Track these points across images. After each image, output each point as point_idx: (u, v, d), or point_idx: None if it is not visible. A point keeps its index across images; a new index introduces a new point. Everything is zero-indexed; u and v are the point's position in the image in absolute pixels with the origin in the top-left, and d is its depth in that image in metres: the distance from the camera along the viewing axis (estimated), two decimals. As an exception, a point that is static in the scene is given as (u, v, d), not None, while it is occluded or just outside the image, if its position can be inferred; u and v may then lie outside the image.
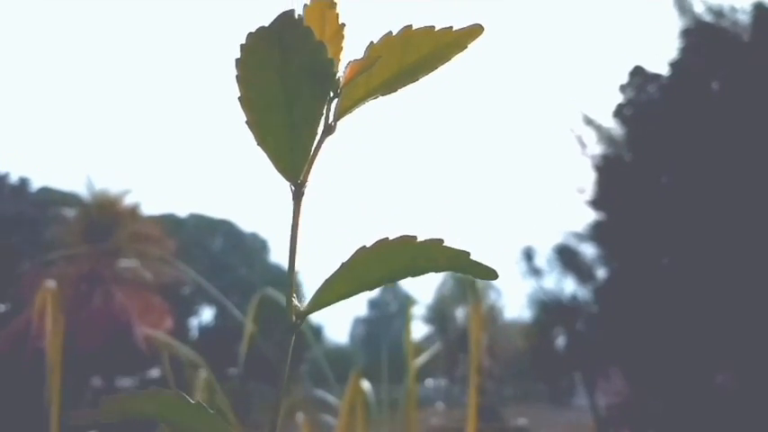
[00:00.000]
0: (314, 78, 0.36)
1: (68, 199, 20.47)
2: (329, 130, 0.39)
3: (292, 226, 0.41)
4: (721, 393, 14.73)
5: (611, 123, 18.47)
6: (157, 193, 64.90)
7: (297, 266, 0.40)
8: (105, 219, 17.93)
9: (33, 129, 56.75)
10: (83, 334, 13.87)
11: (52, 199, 22.02)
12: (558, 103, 30.30)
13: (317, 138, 0.39)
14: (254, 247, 37.04)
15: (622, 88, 16.87)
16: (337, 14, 0.39)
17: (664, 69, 17.02)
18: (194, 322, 32.90)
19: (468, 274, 0.38)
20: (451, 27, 0.39)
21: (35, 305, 1.64)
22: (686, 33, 16.58)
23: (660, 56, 19.97)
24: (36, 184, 25.97)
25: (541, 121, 21.37)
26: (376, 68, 0.39)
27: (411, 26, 0.39)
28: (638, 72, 16.69)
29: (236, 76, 0.35)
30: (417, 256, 0.38)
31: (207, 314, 33.54)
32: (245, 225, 37.50)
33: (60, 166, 57.45)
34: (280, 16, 0.34)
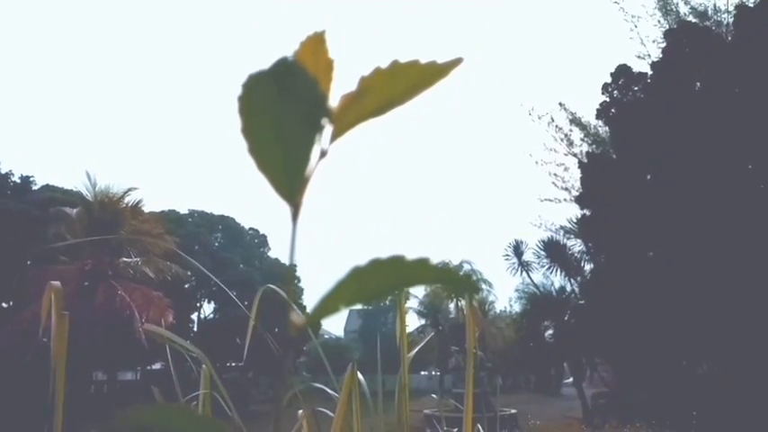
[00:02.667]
0: (308, 111, 0.40)
1: (71, 196, 20.51)
2: (323, 154, 0.43)
3: (291, 242, 0.45)
4: (704, 383, 15.15)
5: (596, 122, 18.86)
6: (158, 190, 65.06)
7: (297, 278, 0.55)
8: (107, 216, 17.90)
9: (36, 127, 56.73)
10: (86, 329, 14.13)
11: (55, 196, 22.04)
12: (546, 102, 30.67)
13: (312, 162, 0.43)
14: (254, 242, 37.31)
15: (607, 87, 17.29)
16: (327, 49, 0.43)
17: (648, 69, 17.37)
18: (195, 316, 33.25)
19: (453, 288, 0.43)
20: (435, 61, 0.43)
21: (40, 302, 1.65)
22: (670, 33, 16.99)
23: (644, 56, 20.37)
24: (39, 182, 26.30)
25: (530, 120, 21.75)
26: (366, 98, 0.43)
27: (398, 61, 0.42)
28: (622, 71, 17.10)
29: (238, 111, 0.39)
30: (406, 273, 0.42)
31: (207, 308, 33.86)
32: (245, 221, 37.87)
33: (63, 164, 57.56)
34: (277, 62, 0.38)
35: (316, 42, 0.43)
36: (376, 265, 0.41)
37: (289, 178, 0.42)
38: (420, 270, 0.42)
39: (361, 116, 0.44)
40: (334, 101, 0.43)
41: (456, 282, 0.43)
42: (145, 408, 0.42)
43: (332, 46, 0.43)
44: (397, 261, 0.41)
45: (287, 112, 0.40)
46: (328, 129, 0.43)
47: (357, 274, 0.41)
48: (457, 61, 0.43)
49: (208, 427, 0.42)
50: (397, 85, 0.43)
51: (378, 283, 0.42)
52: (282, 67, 0.38)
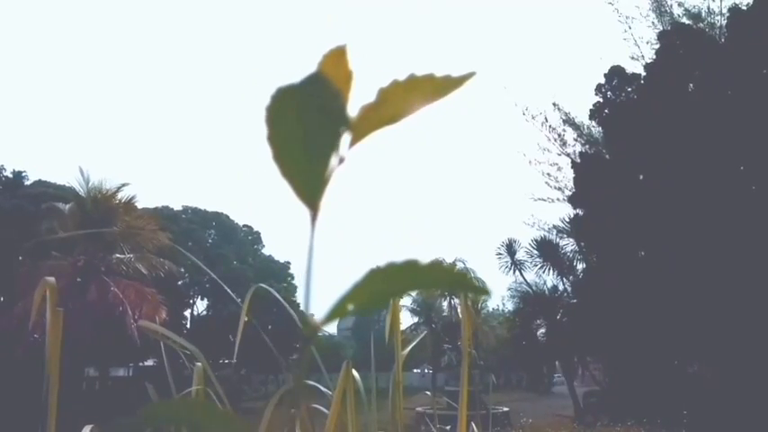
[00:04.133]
0: (331, 121, 0.42)
1: (63, 192, 20.40)
2: (341, 160, 0.45)
3: (309, 246, 0.46)
4: (695, 382, 15.25)
5: (590, 122, 18.94)
6: (152, 186, 64.88)
7: (313, 281, 0.46)
8: (100, 212, 17.77)
9: (29, 122, 56.49)
10: (78, 325, 14.07)
11: (47, 192, 21.94)
12: (540, 103, 30.78)
13: (331, 168, 0.45)
14: (247, 239, 37.27)
15: (600, 88, 17.37)
16: (348, 62, 0.45)
17: (641, 70, 17.42)
18: (188, 313, 33.21)
19: (466, 291, 0.49)
20: (449, 75, 0.45)
21: (33, 298, 1.62)
22: (664, 35, 17.07)
23: (638, 57, 20.45)
24: (31, 177, 26.19)
25: (524, 120, 21.82)
26: (384, 108, 0.45)
27: (414, 74, 0.44)
28: (616, 72, 17.17)
29: (265, 120, 0.41)
30: (421, 276, 0.43)
31: (200, 305, 33.83)
32: (239, 218, 37.87)
33: (55, 159, 57.29)
34: (308, 77, 0.40)
35: (337, 55, 0.45)
36: (391, 268, 0.42)
37: (310, 184, 0.43)
38: (435, 273, 0.42)
39: (377, 125, 0.46)
40: (352, 110, 0.45)
41: (470, 285, 0.44)
42: (169, 402, 0.45)
43: (352, 59, 0.45)
44: (412, 264, 0.42)
45: (312, 122, 0.42)
46: (347, 136, 0.44)
47: (373, 277, 0.42)
48: (470, 75, 0.45)
49: (229, 424, 0.42)
50: (412, 96, 0.45)
51: (392, 285, 0.43)
52: (312, 81, 0.40)
